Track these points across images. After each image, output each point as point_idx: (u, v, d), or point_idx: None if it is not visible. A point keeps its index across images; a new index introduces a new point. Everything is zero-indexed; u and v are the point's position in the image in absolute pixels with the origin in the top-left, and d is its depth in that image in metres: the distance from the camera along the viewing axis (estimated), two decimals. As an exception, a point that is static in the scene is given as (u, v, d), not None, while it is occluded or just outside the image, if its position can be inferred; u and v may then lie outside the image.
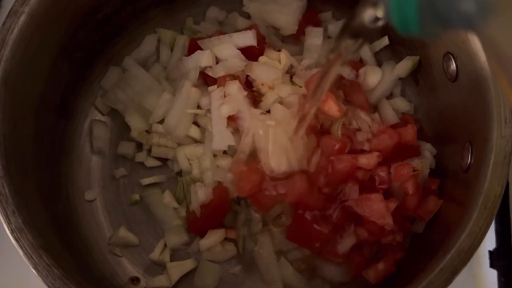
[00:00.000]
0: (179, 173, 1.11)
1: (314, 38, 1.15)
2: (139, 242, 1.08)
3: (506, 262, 1.15)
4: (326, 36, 1.18)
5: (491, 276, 1.16)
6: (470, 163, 0.94)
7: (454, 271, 0.81)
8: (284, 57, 1.06)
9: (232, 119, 1.03)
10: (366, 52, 1.17)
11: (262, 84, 1.05)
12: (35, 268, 0.80)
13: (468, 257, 0.82)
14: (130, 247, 1.08)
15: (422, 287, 0.81)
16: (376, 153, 1.03)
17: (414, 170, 1.02)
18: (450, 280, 0.81)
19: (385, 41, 1.17)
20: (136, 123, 1.10)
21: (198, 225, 1.06)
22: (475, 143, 0.93)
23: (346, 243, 1.03)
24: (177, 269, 1.04)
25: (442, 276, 0.81)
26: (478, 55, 0.92)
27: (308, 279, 1.06)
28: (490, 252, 1.17)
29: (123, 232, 1.06)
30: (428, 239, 1.03)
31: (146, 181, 1.10)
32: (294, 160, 1.00)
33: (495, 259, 1.16)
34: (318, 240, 1.01)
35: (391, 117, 1.13)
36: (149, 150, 1.12)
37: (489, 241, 1.18)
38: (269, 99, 1.04)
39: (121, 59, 1.16)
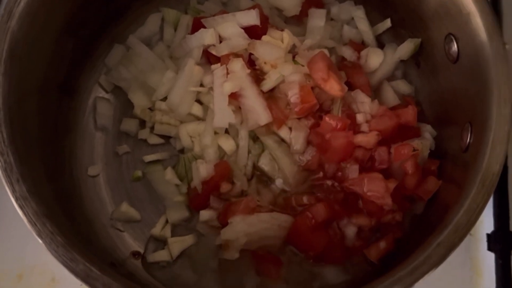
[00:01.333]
0: (182, 150, 1.12)
1: (317, 19, 1.16)
2: (140, 218, 1.09)
3: (504, 245, 1.16)
4: (329, 18, 1.19)
5: (488, 259, 1.17)
6: (469, 143, 0.95)
7: (451, 246, 0.82)
8: (286, 37, 1.06)
9: (234, 97, 1.04)
10: (368, 35, 1.18)
11: (265, 63, 1.06)
12: (39, 235, 0.82)
13: (465, 233, 0.83)
14: (132, 222, 1.09)
15: (420, 261, 0.82)
16: (375, 132, 1.04)
17: (414, 150, 1.03)
18: (446, 255, 0.82)
19: (387, 23, 1.18)
20: (139, 100, 1.11)
21: (199, 201, 1.07)
22: (474, 123, 0.94)
23: (349, 236, 1.05)
24: (178, 244, 1.05)
25: (439, 251, 0.82)
26: (479, 35, 0.93)
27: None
28: (488, 235, 1.18)
29: (125, 207, 1.08)
30: (428, 221, 1.04)
31: (148, 158, 1.11)
32: (279, 230, 1.03)
33: (492, 242, 1.17)
34: (319, 245, 1.03)
35: (392, 99, 1.14)
36: (152, 128, 1.13)
37: (488, 224, 1.19)
38: (271, 77, 1.05)
39: (125, 37, 1.17)
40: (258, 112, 1.03)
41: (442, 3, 0.99)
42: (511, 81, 0.89)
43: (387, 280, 0.81)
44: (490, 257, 1.16)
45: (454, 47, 1.00)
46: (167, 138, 1.14)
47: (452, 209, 0.86)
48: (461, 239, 0.83)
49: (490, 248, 1.17)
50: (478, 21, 0.93)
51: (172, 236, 1.08)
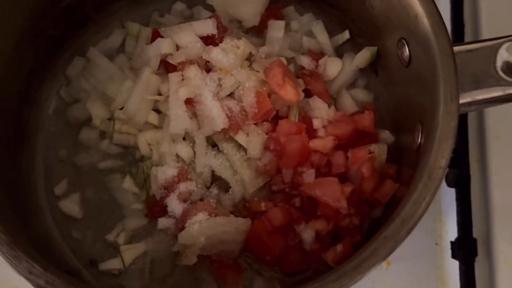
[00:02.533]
0: (141, 159, 1.12)
1: (276, 31, 1.18)
2: (82, 216, 1.09)
3: (466, 251, 1.16)
4: (288, 30, 1.21)
5: (453, 267, 1.17)
6: (420, 142, 0.96)
7: (398, 239, 0.82)
8: (242, 44, 1.08)
9: (190, 103, 1.05)
10: (327, 47, 1.20)
11: (221, 69, 1.07)
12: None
13: (412, 226, 0.83)
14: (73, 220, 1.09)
15: (367, 255, 0.81)
16: (332, 137, 1.04)
17: (370, 152, 1.03)
18: (394, 247, 0.82)
19: (346, 35, 1.20)
20: (97, 111, 1.11)
21: (157, 209, 1.07)
22: (425, 122, 0.95)
23: (307, 240, 1.04)
24: (131, 251, 1.04)
25: (387, 244, 0.82)
26: (427, 36, 0.94)
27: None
28: (451, 242, 1.18)
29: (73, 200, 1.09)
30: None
31: (103, 165, 1.11)
32: (237, 233, 1.03)
33: (456, 249, 1.17)
34: (275, 249, 1.02)
35: (351, 106, 1.15)
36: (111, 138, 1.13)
37: (452, 234, 1.20)
38: (227, 83, 1.06)
39: (87, 50, 1.18)
40: (214, 117, 1.04)
41: (392, 7, 1.01)
42: (457, 78, 0.90)
43: (333, 274, 0.80)
44: (455, 265, 1.17)
45: (406, 51, 1.02)
46: (128, 148, 1.14)
47: (401, 204, 0.86)
48: (408, 232, 0.83)
49: (454, 256, 1.17)
50: (425, 22, 0.95)
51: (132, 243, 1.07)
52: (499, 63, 0.95)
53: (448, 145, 0.87)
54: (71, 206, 1.09)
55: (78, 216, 1.09)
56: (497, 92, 0.95)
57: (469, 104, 0.95)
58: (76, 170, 1.13)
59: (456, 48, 0.95)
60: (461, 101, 0.92)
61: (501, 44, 0.96)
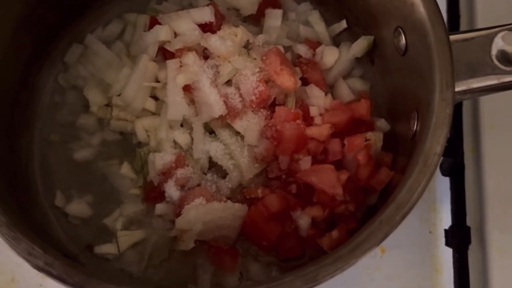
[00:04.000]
0: (138, 145, 1.13)
1: (273, 19, 1.19)
2: (91, 214, 1.09)
3: (460, 239, 1.17)
4: (285, 19, 1.21)
5: (446, 255, 1.18)
6: (416, 130, 0.97)
7: (393, 224, 0.83)
8: (240, 31, 1.08)
9: (188, 90, 1.05)
10: (324, 36, 1.21)
11: (219, 57, 1.07)
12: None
13: (407, 211, 0.84)
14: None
15: (362, 239, 0.82)
16: (328, 124, 1.05)
17: (366, 140, 1.04)
18: (389, 232, 0.82)
19: (343, 24, 1.21)
20: (94, 97, 1.12)
21: (155, 194, 1.07)
22: (420, 110, 0.96)
23: (302, 226, 1.05)
24: (127, 238, 1.05)
25: (382, 228, 0.83)
26: (423, 24, 0.95)
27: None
28: (445, 230, 1.19)
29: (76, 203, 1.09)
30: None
31: (100, 150, 1.12)
32: (234, 219, 1.03)
33: (450, 237, 1.18)
34: (272, 235, 1.03)
35: (347, 95, 1.16)
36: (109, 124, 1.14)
37: (446, 222, 1.21)
38: (224, 71, 1.06)
39: (85, 36, 1.18)
40: (212, 104, 1.04)
41: (387, -4, 1.02)
42: (453, 66, 0.91)
43: (329, 258, 0.81)
44: (449, 253, 1.18)
45: (402, 39, 1.03)
46: (125, 134, 1.14)
47: (396, 190, 0.87)
48: (403, 216, 0.83)
49: (447, 243, 1.18)
50: (421, 11, 0.95)
51: (129, 229, 1.07)
52: (494, 51, 0.96)
53: (443, 131, 0.88)
54: (79, 208, 1.09)
55: (87, 215, 1.09)
56: (492, 81, 0.96)
57: (464, 92, 0.96)
58: (74, 156, 1.13)
59: (452, 37, 0.96)
60: (456, 89, 0.93)
61: (496, 33, 0.97)
